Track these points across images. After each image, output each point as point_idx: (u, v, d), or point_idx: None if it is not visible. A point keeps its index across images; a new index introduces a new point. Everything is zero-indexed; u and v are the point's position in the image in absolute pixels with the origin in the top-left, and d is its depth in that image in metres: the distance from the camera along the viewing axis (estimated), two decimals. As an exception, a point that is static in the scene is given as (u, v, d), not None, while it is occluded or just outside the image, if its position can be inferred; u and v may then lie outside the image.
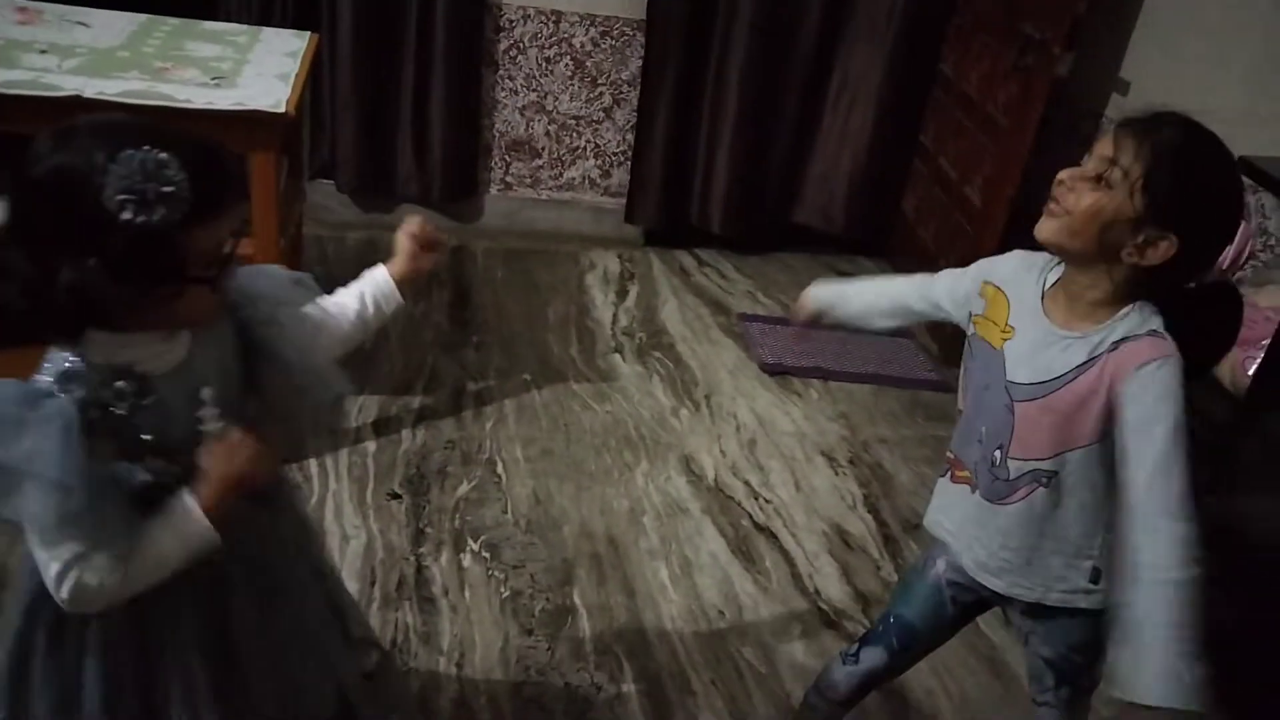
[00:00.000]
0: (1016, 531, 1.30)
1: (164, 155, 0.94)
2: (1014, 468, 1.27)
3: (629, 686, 1.83)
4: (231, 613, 1.16)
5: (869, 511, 2.42)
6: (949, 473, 1.41)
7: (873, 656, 1.50)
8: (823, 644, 2.00)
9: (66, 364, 1.00)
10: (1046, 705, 1.47)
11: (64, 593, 0.99)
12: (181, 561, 1.04)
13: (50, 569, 0.98)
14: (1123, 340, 1.19)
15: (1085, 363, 1.20)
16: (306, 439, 2.31)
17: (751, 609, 2.06)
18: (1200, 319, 1.22)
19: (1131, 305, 1.21)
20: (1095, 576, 1.32)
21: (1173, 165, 1.15)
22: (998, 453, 1.29)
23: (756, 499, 2.40)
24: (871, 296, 1.55)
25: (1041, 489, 1.26)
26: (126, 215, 0.93)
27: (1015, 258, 1.37)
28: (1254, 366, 1.99)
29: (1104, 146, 1.20)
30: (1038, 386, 1.23)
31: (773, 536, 2.28)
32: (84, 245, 0.93)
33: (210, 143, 1.02)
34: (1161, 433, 1.15)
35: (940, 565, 1.45)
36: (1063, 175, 1.23)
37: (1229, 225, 1.19)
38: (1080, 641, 1.39)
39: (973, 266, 1.41)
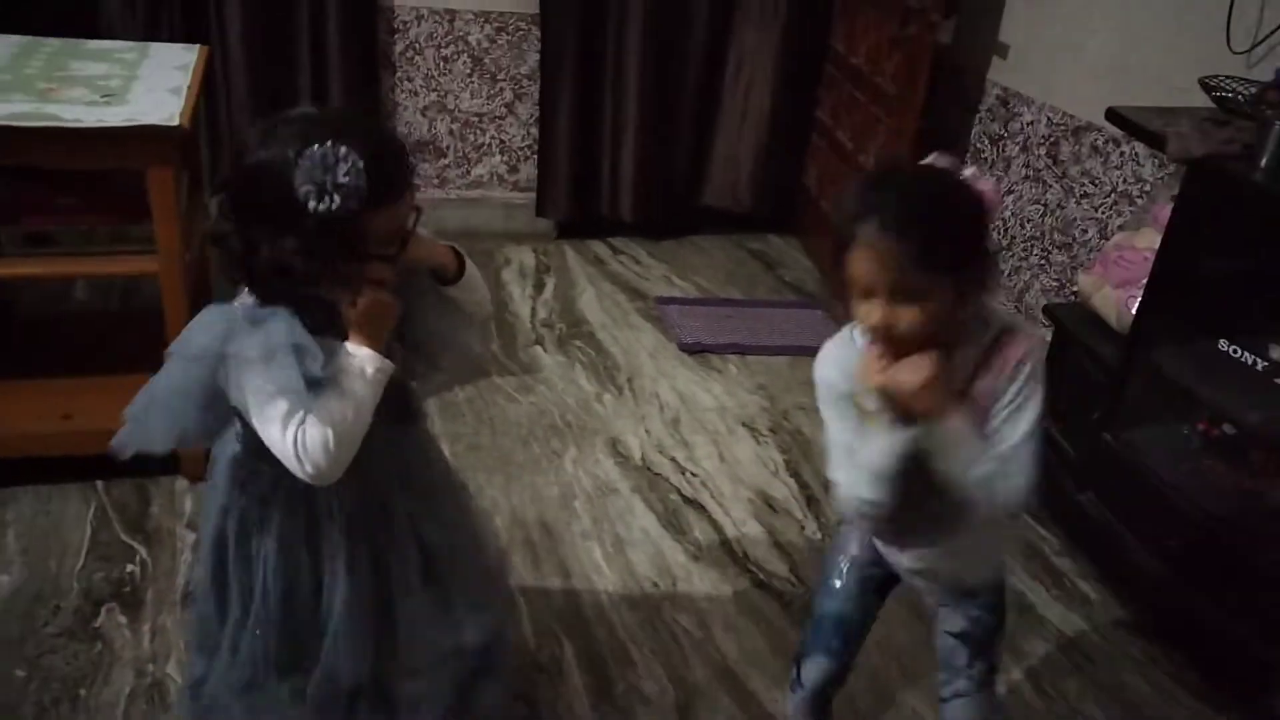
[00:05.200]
0: (966, 548, 1.35)
1: (343, 149, 1.08)
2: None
3: (570, 663, 1.88)
4: (392, 536, 1.32)
5: (791, 475, 2.49)
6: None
7: (818, 668, 1.49)
8: (754, 603, 2.07)
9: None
10: (957, 695, 1.46)
11: (296, 450, 1.14)
12: (372, 397, 1.19)
13: (282, 436, 1.14)
14: (997, 338, 1.22)
15: (970, 376, 1.22)
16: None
17: (684, 578, 2.12)
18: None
19: (966, 320, 1.23)
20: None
21: (930, 239, 1.13)
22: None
23: (683, 473, 2.46)
24: None
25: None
26: (312, 204, 1.08)
27: (825, 361, 1.33)
28: (1136, 304, 2.11)
29: (872, 274, 1.15)
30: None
31: (701, 508, 2.35)
32: (281, 228, 1.10)
33: (388, 134, 1.20)
34: (1031, 413, 1.21)
35: (852, 548, 1.47)
36: (874, 321, 1.17)
37: (983, 211, 1.19)
38: (992, 597, 1.43)
39: (824, 402, 1.33)
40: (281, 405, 1.14)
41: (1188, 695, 1.95)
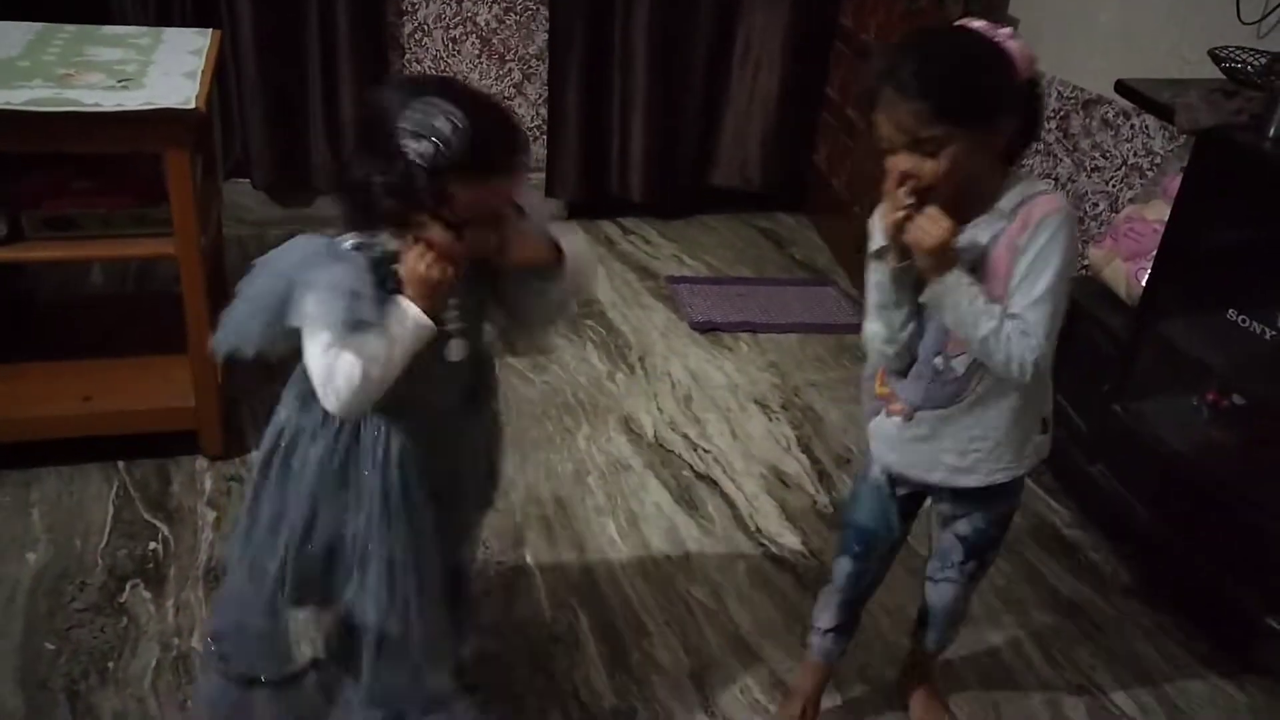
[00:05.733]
0: (980, 422, 1.39)
1: (453, 108, 1.14)
2: (959, 364, 1.36)
3: (586, 634, 1.91)
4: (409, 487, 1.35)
5: (803, 451, 2.52)
6: (882, 411, 1.48)
7: (843, 567, 1.62)
8: (766, 575, 2.10)
9: (364, 239, 1.25)
10: (947, 580, 1.60)
11: (326, 376, 1.21)
12: (404, 350, 1.23)
13: (319, 360, 1.21)
14: (1019, 205, 1.29)
15: (994, 238, 1.30)
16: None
17: (698, 552, 2.15)
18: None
19: (1008, 179, 1.31)
20: (1044, 426, 1.45)
21: (946, 90, 1.22)
22: (939, 359, 1.37)
23: (695, 450, 2.49)
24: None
25: (985, 369, 1.34)
26: (404, 143, 1.14)
27: (875, 216, 1.39)
28: (1145, 276, 2.12)
29: (892, 129, 1.25)
30: None
31: (713, 483, 2.37)
32: (378, 166, 1.17)
33: (508, 119, 1.22)
34: (1045, 279, 1.26)
35: (875, 469, 1.55)
36: (902, 169, 1.26)
37: (1008, 69, 1.25)
38: (1001, 514, 1.53)
39: (870, 251, 1.44)
40: (325, 336, 1.20)
41: (1198, 664, 1.97)
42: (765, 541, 2.20)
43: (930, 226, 1.26)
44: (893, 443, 1.48)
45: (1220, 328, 1.97)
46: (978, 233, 1.31)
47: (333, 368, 1.20)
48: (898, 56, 1.25)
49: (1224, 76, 2.11)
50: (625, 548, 2.14)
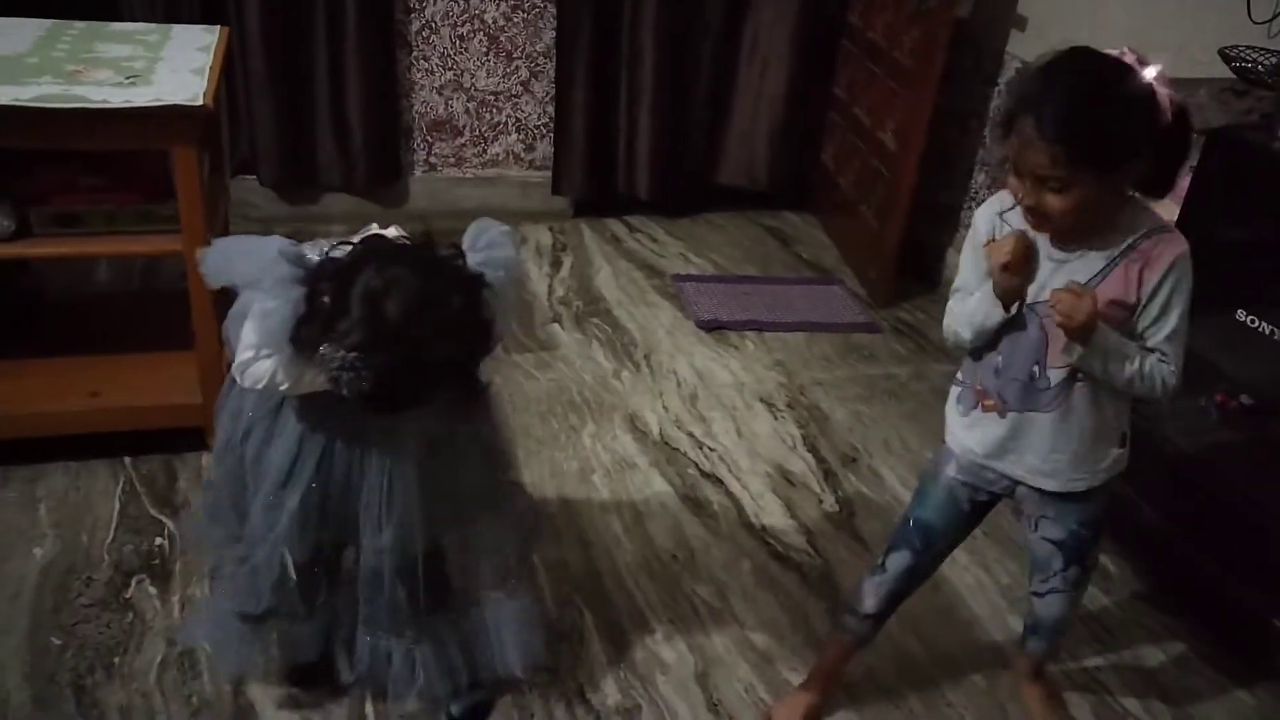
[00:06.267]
0: (1063, 431, 1.44)
1: (353, 358, 1.22)
2: (1054, 376, 1.41)
3: (590, 631, 1.91)
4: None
5: (808, 450, 2.51)
6: (976, 405, 1.51)
7: (899, 560, 1.63)
8: (771, 574, 2.09)
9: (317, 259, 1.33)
10: (1053, 591, 1.62)
11: (240, 367, 1.34)
12: (314, 387, 1.35)
13: (241, 353, 1.34)
14: (1137, 240, 1.33)
15: (1106, 267, 1.34)
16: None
17: (703, 550, 2.14)
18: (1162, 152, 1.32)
19: (1126, 209, 1.35)
20: (1123, 441, 1.49)
21: (1080, 136, 1.23)
22: (1036, 368, 1.42)
23: (701, 448, 2.49)
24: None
25: (1079, 384, 1.40)
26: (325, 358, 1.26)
27: (987, 208, 1.46)
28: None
29: (1023, 161, 1.28)
30: None
31: (718, 482, 2.37)
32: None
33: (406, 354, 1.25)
34: (1175, 317, 1.35)
35: (951, 469, 1.57)
36: (1025, 203, 1.31)
37: (1151, 113, 1.25)
38: (1093, 516, 1.55)
39: (967, 242, 1.50)
40: (254, 339, 1.33)
41: (1205, 666, 1.96)
42: (770, 540, 2.19)
43: (1077, 306, 1.29)
44: (979, 436, 1.51)
45: (1229, 328, 1.96)
46: (1086, 265, 1.35)
47: (248, 365, 1.34)
48: (1043, 88, 1.26)
49: (1234, 76, 2.10)
50: (630, 545, 2.14)
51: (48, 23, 2.30)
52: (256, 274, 1.32)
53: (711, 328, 3.04)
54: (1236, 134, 1.90)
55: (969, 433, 1.53)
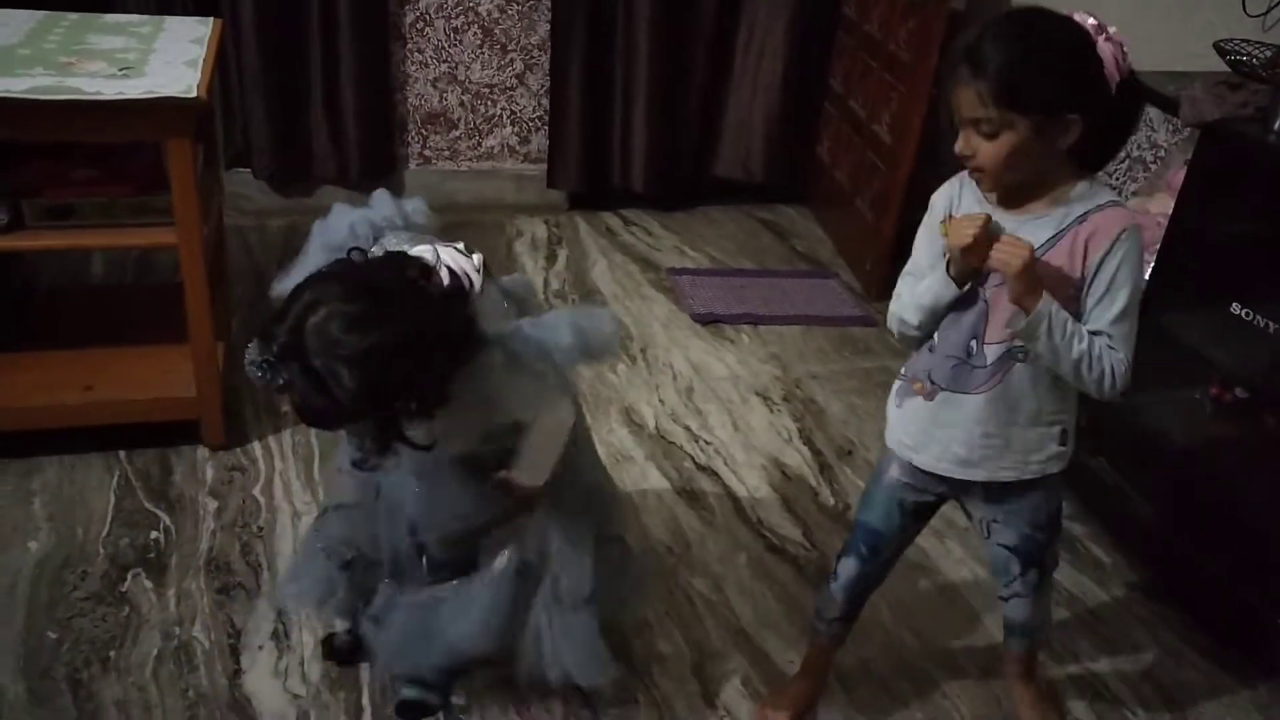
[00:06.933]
0: (994, 415, 1.40)
1: (265, 364, 1.21)
2: (991, 352, 1.37)
3: (587, 625, 1.91)
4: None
5: (804, 443, 2.52)
6: (904, 392, 1.49)
7: (849, 567, 1.62)
8: (768, 567, 2.10)
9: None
10: (1015, 596, 1.59)
11: None
12: None
13: None
14: (1087, 213, 1.30)
15: (1052, 237, 1.31)
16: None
17: (699, 543, 2.15)
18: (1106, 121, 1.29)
19: (1078, 181, 1.32)
20: (1064, 438, 1.44)
21: (1007, 75, 1.22)
22: (973, 343, 1.38)
23: (697, 441, 2.49)
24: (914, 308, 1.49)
25: (1017, 364, 1.36)
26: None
27: (944, 187, 1.44)
28: (1148, 270, 2.11)
29: (957, 106, 1.27)
30: None
31: (715, 475, 2.37)
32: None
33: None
34: (1123, 295, 1.29)
35: (894, 470, 1.55)
36: (958, 150, 1.30)
37: (1089, 67, 1.24)
38: (1043, 518, 1.51)
39: (923, 224, 1.47)
40: None
41: (1196, 655, 1.97)
42: (766, 533, 2.20)
43: (1011, 252, 1.27)
44: (908, 424, 1.49)
45: (1224, 322, 1.97)
46: (1034, 230, 1.31)
47: None
48: (980, 32, 1.25)
49: (1229, 69, 2.10)
50: (626, 538, 2.13)
51: (40, 14, 2.29)
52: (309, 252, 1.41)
53: (707, 321, 3.04)
54: (1231, 127, 1.90)
55: (900, 423, 1.51)
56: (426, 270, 1.30)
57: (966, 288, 1.36)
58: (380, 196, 1.51)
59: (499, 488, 1.51)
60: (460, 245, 1.39)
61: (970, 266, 1.33)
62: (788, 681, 1.79)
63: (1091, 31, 1.24)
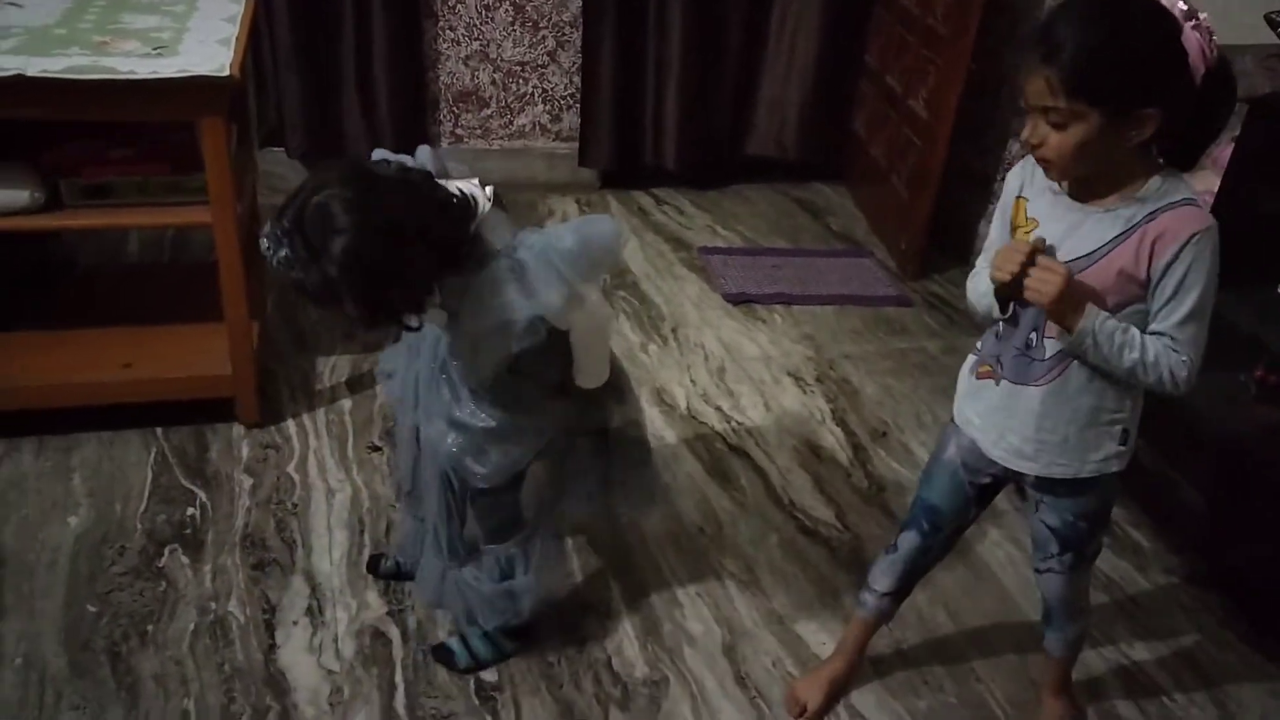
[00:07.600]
0: (1051, 410, 1.36)
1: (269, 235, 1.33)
2: (1050, 346, 1.34)
3: (618, 603, 1.91)
4: None
5: (838, 425, 2.49)
6: (977, 369, 1.47)
7: (908, 541, 1.62)
8: (799, 548, 2.09)
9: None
10: (1050, 571, 1.56)
11: None
12: None
13: None
14: (1158, 211, 1.24)
15: (1121, 234, 1.26)
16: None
17: (730, 524, 2.14)
18: (1195, 112, 1.23)
19: (1154, 176, 1.26)
20: (1124, 438, 1.40)
21: (1080, 64, 1.16)
22: (1034, 334, 1.35)
23: (729, 422, 2.47)
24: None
25: (1076, 361, 1.33)
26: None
27: (1017, 166, 1.40)
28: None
29: (1026, 92, 1.23)
30: (1074, 262, 1.28)
31: (746, 456, 2.36)
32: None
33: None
34: (1191, 299, 1.24)
35: (952, 449, 1.53)
36: (1024, 138, 1.26)
37: (1172, 57, 1.17)
38: (1089, 510, 1.48)
39: (1000, 202, 1.44)
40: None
41: (1237, 641, 1.94)
42: (798, 514, 2.18)
43: (1045, 280, 1.24)
44: (977, 402, 1.47)
45: (1270, 302, 1.92)
46: (1100, 226, 1.27)
47: None
48: (1054, 17, 1.19)
49: (1280, 41, 2.04)
50: (658, 519, 2.13)
51: (76, -6, 2.29)
52: None
53: (739, 301, 3.02)
54: (1281, 102, 1.85)
55: (968, 400, 1.49)
56: (429, 178, 1.40)
57: (1009, 313, 1.36)
58: (423, 150, 1.53)
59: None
60: (477, 181, 1.46)
61: (1007, 293, 1.31)
62: (820, 663, 1.78)
63: (1180, 18, 1.17)
